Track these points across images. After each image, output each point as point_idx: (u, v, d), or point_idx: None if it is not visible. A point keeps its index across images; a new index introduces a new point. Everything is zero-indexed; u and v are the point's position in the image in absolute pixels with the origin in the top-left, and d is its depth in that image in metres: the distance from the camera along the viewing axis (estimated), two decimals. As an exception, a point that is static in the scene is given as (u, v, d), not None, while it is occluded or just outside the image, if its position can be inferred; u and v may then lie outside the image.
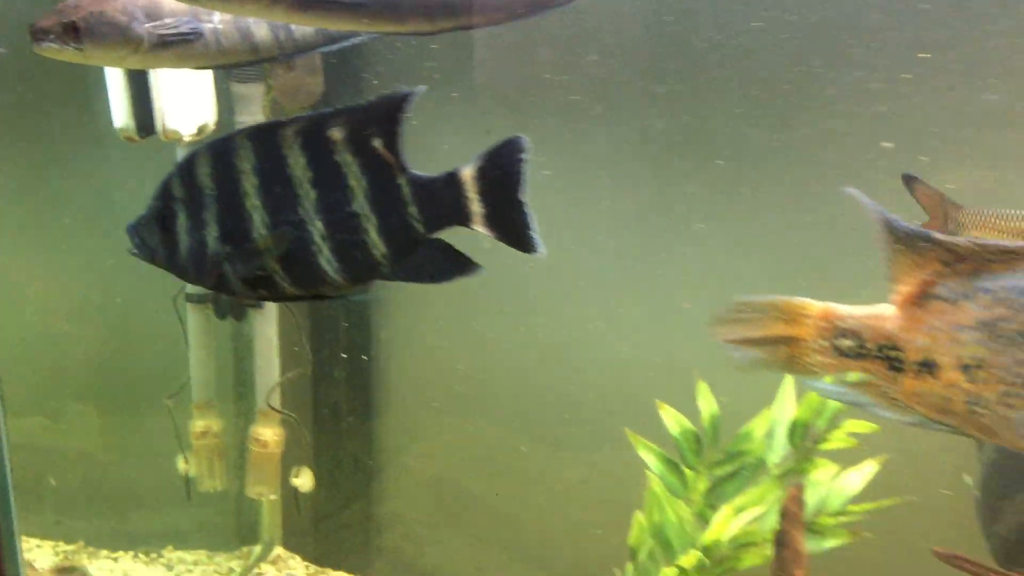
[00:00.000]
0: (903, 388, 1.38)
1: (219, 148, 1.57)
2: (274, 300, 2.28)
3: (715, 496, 2.04)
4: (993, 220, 1.88)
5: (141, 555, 3.00)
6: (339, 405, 2.93)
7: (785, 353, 1.40)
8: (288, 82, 2.41)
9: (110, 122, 2.35)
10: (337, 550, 2.96)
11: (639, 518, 2.03)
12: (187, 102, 2.35)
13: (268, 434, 2.66)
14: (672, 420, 2.02)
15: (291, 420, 2.66)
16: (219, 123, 2.39)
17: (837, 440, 2.00)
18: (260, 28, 1.76)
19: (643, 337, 2.58)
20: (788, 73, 2.36)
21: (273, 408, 2.63)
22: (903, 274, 1.37)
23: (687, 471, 2.04)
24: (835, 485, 1.98)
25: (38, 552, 2.97)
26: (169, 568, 2.93)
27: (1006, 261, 1.32)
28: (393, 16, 1.71)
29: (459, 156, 1.51)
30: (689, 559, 1.89)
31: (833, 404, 1.99)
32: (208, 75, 2.35)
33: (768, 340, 1.40)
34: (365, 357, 2.88)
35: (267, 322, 2.61)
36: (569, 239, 2.30)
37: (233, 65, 1.84)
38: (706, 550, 1.91)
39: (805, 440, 2.01)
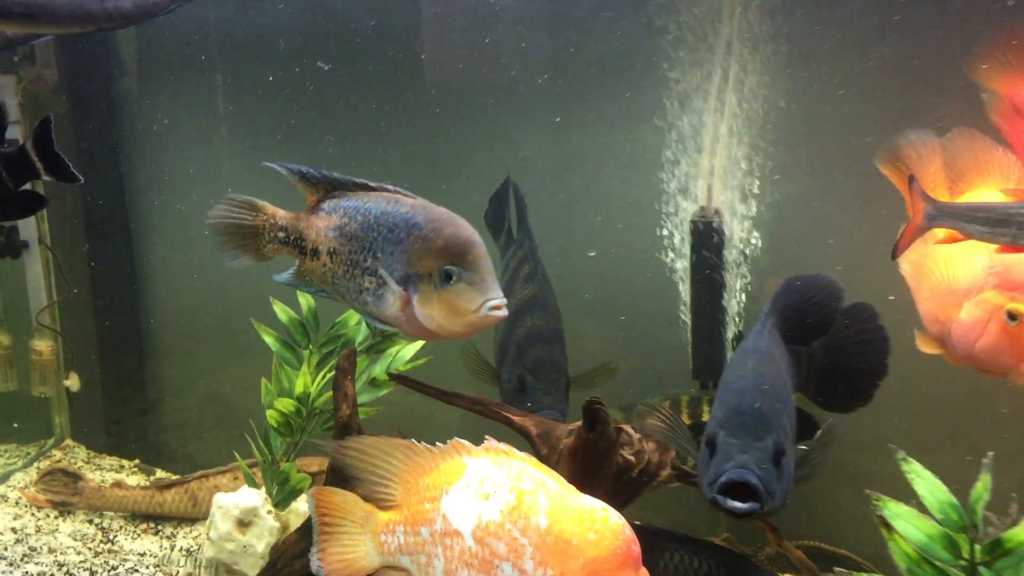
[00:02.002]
0: (306, 267, 2.21)
1: None
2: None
3: (322, 366, 2.84)
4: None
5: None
6: (116, 324, 3.72)
7: (255, 242, 2.25)
8: (31, 73, 3.18)
9: None
10: (115, 442, 3.78)
11: (266, 383, 2.85)
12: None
13: (43, 346, 3.47)
14: (281, 312, 2.82)
15: (56, 333, 3.45)
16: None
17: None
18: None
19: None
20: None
21: (43, 325, 3.43)
22: (307, 195, 2.20)
23: (303, 351, 2.86)
24: (398, 355, 2.78)
25: None
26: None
27: (355, 190, 2.16)
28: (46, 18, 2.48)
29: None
30: (286, 404, 2.71)
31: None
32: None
33: (242, 228, 2.24)
34: (135, 286, 3.68)
35: (34, 260, 3.41)
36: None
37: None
38: (298, 399, 2.74)
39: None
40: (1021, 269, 2.14)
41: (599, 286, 2.97)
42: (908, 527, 1.84)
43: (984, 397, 2.56)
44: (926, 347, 2.35)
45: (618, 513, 1.79)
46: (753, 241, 2.63)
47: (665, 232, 2.72)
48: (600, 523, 1.82)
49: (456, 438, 1.97)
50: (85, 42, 3.32)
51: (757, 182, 2.60)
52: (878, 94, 2.68)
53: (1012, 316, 2.11)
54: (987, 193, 2.27)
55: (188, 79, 3.48)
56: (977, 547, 1.84)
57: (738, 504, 1.98)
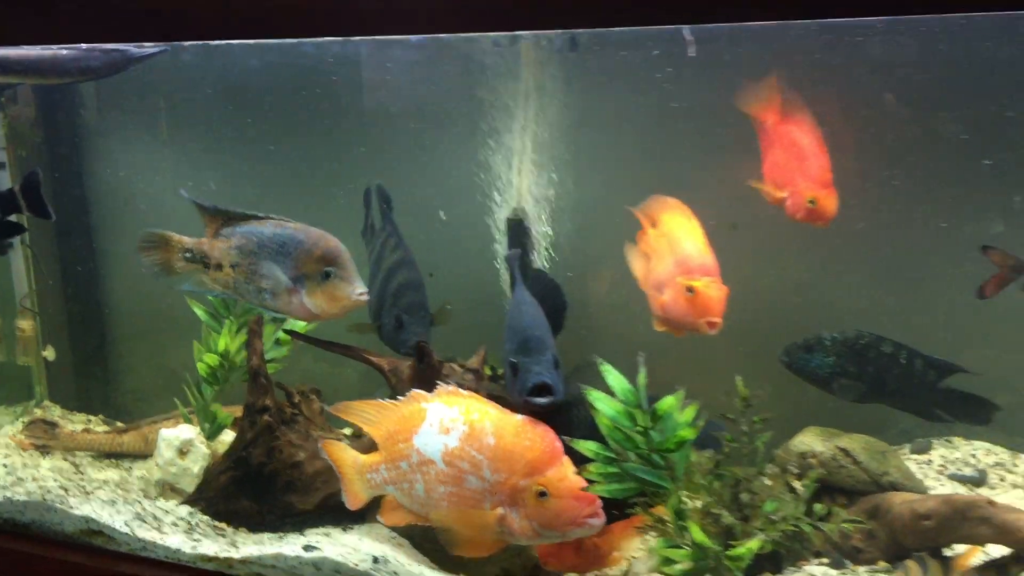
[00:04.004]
0: (210, 276, 3.03)
1: None
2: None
3: (240, 331, 3.76)
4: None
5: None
6: (82, 308, 4.62)
7: (167, 262, 3.07)
8: (14, 111, 4.07)
9: None
10: (84, 403, 4.65)
11: (197, 344, 3.77)
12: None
13: (25, 324, 4.36)
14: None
15: (35, 314, 4.36)
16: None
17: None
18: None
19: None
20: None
21: (25, 307, 4.33)
22: (208, 223, 3.03)
23: (226, 320, 3.78)
24: (296, 322, 3.70)
25: None
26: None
27: (246, 220, 2.99)
28: (34, 73, 3.36)
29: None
30: (211, 358, 3.64)
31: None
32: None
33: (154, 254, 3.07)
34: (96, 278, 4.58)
35: (17, 256, 4.30)
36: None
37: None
38: (221, 355, 3.66)
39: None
40: (692, 261, 3.15)
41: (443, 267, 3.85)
42: (604, 406, 2.72)
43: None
44: (658, 327, 3.34)
45: (542, 423, 2.53)
46: (549, 233, 3.63)
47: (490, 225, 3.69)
48: (531, 433, 2.52)
49: (414, 389, 2.66)
50: (57, 86, 4.23)
51: (552, 191, 3.59)
52: (653, 128, 3.64)
53: (689, 289, 3.12)
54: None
55: (139, 112, 4.39)
56: (645, 416, 2.67)
57: (542, 399, 2.68)
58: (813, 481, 2.77)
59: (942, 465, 3.46)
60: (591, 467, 2.59)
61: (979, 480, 3.39)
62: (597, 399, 2.68)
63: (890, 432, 3.46)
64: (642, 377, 2.64)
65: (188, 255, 3.07)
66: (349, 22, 2.66)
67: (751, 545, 2.64)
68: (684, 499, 2.70)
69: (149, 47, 3.30)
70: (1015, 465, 3.46)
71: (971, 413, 3.15)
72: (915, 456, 3.55)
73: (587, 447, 2.66)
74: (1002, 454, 3.52)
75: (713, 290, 3.11)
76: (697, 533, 2.66)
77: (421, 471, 2.62)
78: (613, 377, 2.69)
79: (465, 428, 2.56)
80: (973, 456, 3.51)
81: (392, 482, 2.71)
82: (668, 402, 2.65)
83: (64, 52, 3.30)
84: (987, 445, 3.56)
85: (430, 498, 2.62)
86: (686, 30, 2.89)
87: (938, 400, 3.15)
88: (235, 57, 3.92)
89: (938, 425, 3.35)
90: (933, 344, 3.23)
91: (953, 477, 3.41)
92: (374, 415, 2.75)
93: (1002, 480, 3.38)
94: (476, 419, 2.56)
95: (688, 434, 2.63)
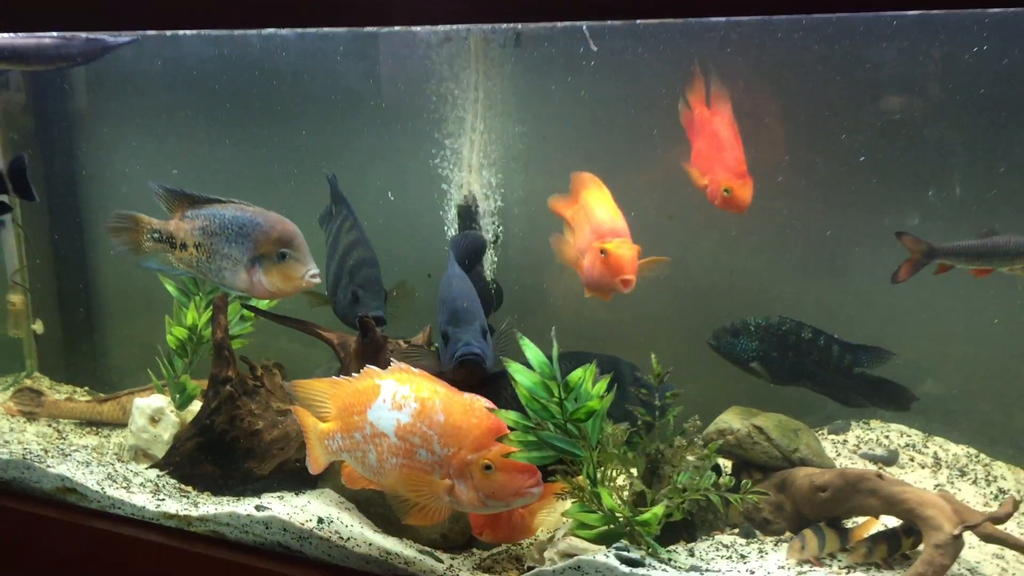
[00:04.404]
0: (176, 256, 3.24)
1: None
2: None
3: (207, 308, 4.00)
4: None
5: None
6: (70, 285, 4.89)
7: (136, 241, 3.31)
8: (5, 96, 4.33)
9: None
10: (70, 375, 4.93)
11: (168, 319, 4.01)
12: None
13: (16, 299, 4.63)
14: (180, 268, 3.99)
15: (26, 289, 4.62)
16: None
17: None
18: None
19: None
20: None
21: (16, 283, 4.59)
22: (174, 207, 3.27)
23: (195, 297, 4.02)
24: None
25: None
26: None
27: (209, 203, 3.22)
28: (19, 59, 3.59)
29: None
30: (180, 331, 3.88)
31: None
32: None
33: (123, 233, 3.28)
34: (84, 256, 4.84)
35: (9, 235, 4.57)
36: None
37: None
38: (189, 328, 3.90)
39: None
40: (604, 226, 3.35)
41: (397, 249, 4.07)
42: (523, 378, 2.81)
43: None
44: (588, 295, 3.53)
45: (486, 400, 2.72)
46: (497, 216, 3.85)
47: (442, 212, 3.90)
48: (478, 411, 2.69)
49: (368, 366, 2.80)
50: (46, 72, 4.48)
51: (498, 177, 3.80)
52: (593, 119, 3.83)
53: (602, 252, 3.31)
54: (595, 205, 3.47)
55: (126, 95, 4.64)
56: (559, 387, 2.77)
57: (470, 361, 2.94)
58: (713, 452, 2.95)
59: (856, 445, 3.63)
60: (512, 435, 2.79)
61: (889, 459, 3.55)
62: (516, 371, 2.85)
63: (819, 415, 3.63)
64: (555, 350, 2.82)
65: (156, 235, 3.27)
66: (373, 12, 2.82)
67: (656, 510, 2.83)
68: (606, 469, 2.89)
69: (124, 36, 3.51)
70: (926, 447, 3.62)
71: (889, 400, 3.29)
72: (832, 436, 3.72)
73: (508, 416, 2.86)
74: (915, 436, 3.68)
75: (624, 249, 3.31)
76: (608, 498, 2.85)
77: (374, 443, 2.77)
78: (531, 350, 2.87)
79: (416, 405, 2.71)
80: (887, 437, 3.67)
81: (347, 450, 2.87)
82: (578, 374, 2.83)
83: (47, 40, 3.51)
84: (902, 428, 3.72)
85: (382, 468, 2.79)
86: (584, 27, 3.06)
87: (856, 386, 3.30)
88: (197, 47, 4.15)
89: (863, 410, 3.51)
90: (862, 334, 3.38)
91: (864, 456, 3.57)
92: (329, 390, 2.90)
93: (911, 460, 3.55)
94: (427, 396, 2.71)
95: (596, 405, 2.81)
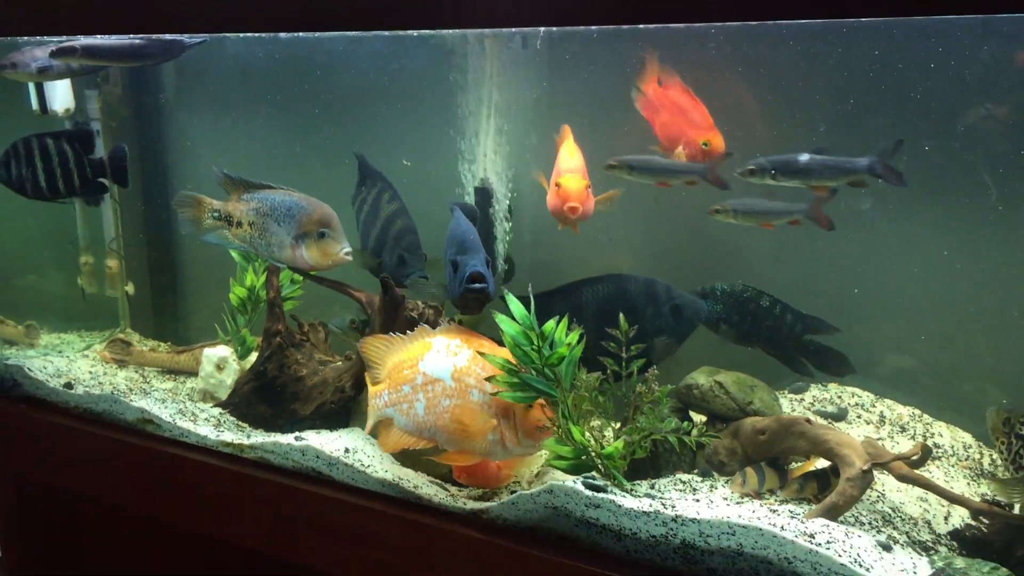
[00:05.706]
0: (232, 232, 3.89)
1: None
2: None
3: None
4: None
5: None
6: (159, 254, 5.65)
7: (198, 219, 3.91)
8: (107, 88, 5.09)
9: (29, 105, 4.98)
10: (156, 332, 5.65)
11: (232, 280, 4.68)
12: (60, 97, 5.01)
13: (112, 263, 5.39)
14: (243, 238, 4.66)
15: (121, 256, 5.39)
16: (76, 108, 5.08)
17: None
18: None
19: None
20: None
21: (112, 250, 5.37)
22: (232, 190, 3.88)
23: (255, 263, 4.68)
24: None
25: None
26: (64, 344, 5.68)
27: (262, 188, 3.83)
28: (117, 57, 4.27)
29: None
30: (240, 291, 4.55)
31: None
32: (67, 83, 5.00)
33: (187, 211, 3.88)
34: (170, 230, 5.58)
35: (107, 208, 5.34)
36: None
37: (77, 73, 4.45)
38: (248, 289, 4.57)
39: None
40: (562, 165, 3.80)
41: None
42: (507, 327, 3.09)
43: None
44: (560, 228, 3.99)
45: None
46: (511, 196, 4.36)
47: (460, 192, 4.45)
48: None
49: (422, 324, 3.19)
50: (142, 68, 5.23)
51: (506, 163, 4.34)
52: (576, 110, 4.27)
53: (557, 185, 3.77)
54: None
55: (207, 90, 5.34)
56: (537, 336, 3.08)
57: (476, 285, 3.24)
58: (664, 394, 3.40)
59: (811, 404, 4.02)
60: (498, 377, 3.28)
61: (839, 416, 3.93)
62: (502, 321, 3.34)
63: (789, 380, 4.03)
64: (532, 304, 3.31)
65: (216, 214, 3.71)
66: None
67: (617, 444, 3.31)
68: (580, 409, 3.37)
69: (197, 37, 4.12)
70: (873, 407, 3.98)
71: (829, 366, 3.67)
72: (791, 395, 4.11)
73: (495, 360, 3.37)
74: (865, 397, 4.04)
75: (572, 182, 3.73)
76: (576, 433, 3.35)
77: (424, 390, 3.12)
78: (514, 304, 3.36)
79: (470, 352, 3.12)
80: (839, 397, 4.05)
81: (392, 404, 3.20)
82: (550, 326, 3.32)
83: (137, 41, 4.14)
84: (855, 389, 4.09)
85: (432, 413, 3.13)
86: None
87: (802, 350, 3.70)
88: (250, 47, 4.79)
89: (822, 375, 3.90)
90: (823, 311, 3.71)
91: (817, 412, 3.96)
92: (382, 347, 3.27)
93: (859, 417, 3.92)
94: (478, 344, 3.12)
95: (565, 351, 3.29)
